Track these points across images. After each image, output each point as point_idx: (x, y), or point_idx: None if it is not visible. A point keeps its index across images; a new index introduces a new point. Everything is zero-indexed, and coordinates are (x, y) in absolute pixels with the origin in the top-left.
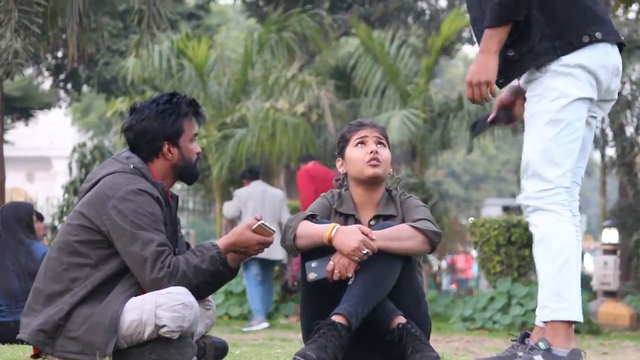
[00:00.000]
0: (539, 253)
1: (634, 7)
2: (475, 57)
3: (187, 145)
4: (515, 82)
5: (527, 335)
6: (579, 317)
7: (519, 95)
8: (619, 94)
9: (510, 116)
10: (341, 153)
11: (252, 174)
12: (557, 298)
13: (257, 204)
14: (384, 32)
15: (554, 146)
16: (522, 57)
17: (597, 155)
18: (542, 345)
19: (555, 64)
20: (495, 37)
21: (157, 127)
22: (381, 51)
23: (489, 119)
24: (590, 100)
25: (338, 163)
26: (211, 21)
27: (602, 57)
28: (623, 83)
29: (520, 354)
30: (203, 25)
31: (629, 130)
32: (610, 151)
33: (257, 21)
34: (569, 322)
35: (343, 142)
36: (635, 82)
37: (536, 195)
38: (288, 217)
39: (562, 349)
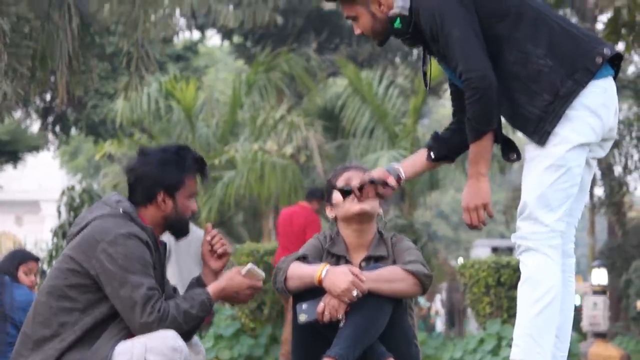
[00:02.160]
0: (523, 291)
1: (620, 45)
2: (467, 182)
3: (183, 200)
4: None
5: None
6: None
7: None
8: None
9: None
10: (329, 199)
11: None
12: (530, 340)
13: (183, 245)
14: (371, 72)
15: (551, 191)
16: (549, 106)
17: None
18: None
19: (555, 125)
20: (480, 153)
21: (157, 174)
22: (369, 91)
23: None
24: (589, 145)
25: (327, 209)
26: (199, 63)
27: (603, 95)
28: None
29: None
30: (191, 66)
31: (617, 170)
32: (599, 191)
33: (245, 62)
34: None
35: (330, 187)
36: (623, 121)
37: (530, 236)
38: None
39: None
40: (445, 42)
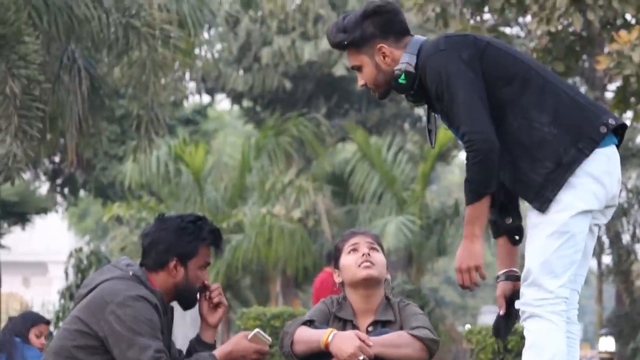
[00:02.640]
0: (528, 357)
1: (629, 114)
2: (461, 243)
3: (195, 270)
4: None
5: None
6: None
7: (516, 283)
8: None
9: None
10: (336, 264)
11: None
12: None
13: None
14: (381, 138)
15: (555, 258)
16: (551, 174)
17: (593, 263)
18: None
19: (559, 192)
20: (476, 216)
21: (172, 241)
22: (378, 157)
23: (502, 314)
24: (592, 212)
25: (335, 275)
26: (208, 126)
27: (607, 163)
28: (620, 191)
29: None
30: (200, 130)
31: (625, 238)
32: (607, 259)
33: (254, 126)
34: None
35: (337, 253)
36: (631, 189)
37: (534, 302)
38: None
39: None
40: (450, 102)
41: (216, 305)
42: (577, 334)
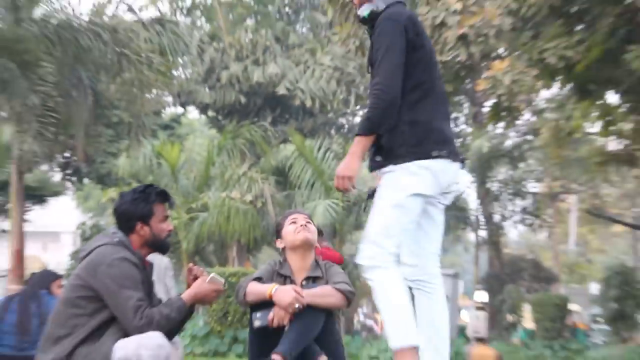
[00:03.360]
0: (378, 299)
1: (501, 124)
2: (345, 157)
3: (157, 224)
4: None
5: None
6: (416, 341)
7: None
8: (489, 190)
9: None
10: (279, 234)
11: None
12: (396, 331)
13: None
14: (313, 140)
15: (392, 223)
16: (386, 155)
17: (472, 236)
18: None
19: (409, 164)
20: (361, 144)
21: (131, 210)
22: (311, 155)
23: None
24: (427, 197)
25: (277, 242)
26: (182, 131)
27: (444, 166)
28: (492, 181)
29: None
30: (176, 134)
31: (496, 217)
32: (482, 233)
33: (217, 131)
34: (412, 347)
35: (279, 227)
36: (502, 180)
37: (371, 256)
38: (171, 281)
39: None
40: (381, 57)
41: (194, 278)
42: (440, 284)
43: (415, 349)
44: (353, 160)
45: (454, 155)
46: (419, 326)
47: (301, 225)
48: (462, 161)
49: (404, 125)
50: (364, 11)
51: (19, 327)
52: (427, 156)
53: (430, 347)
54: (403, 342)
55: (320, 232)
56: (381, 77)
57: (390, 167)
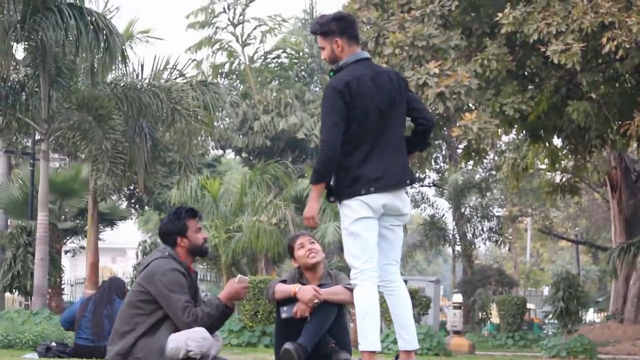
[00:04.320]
0: (357, 313)
1: (471, 162)
2: (308, 203)
3: (193, 235)
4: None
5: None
6: (376, 347)
7: None
8: (463, 214)
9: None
10: (292, 256)
11: None
12: (362, 337)
13: None
14: None
15: (353, 247)
16: (334, 195)
17: (450, 250)
18: None
19: (345, 200)
20: (315, 191)
21: (169, 228)
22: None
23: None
24: (370, 217)
25: (292, 262)
26: (221, 168)
27: (373, 199)
28: (465, 207)
29: None
30: (216, 171)
31: (469, 235)
32: (458, 248)
33: (249, 169)
34: (371, 352)
35: (290, 250)
36: (472, 206)
37: (352, 276)
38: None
39: None
40: (322, 116)
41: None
42: (402, 285)
43: (374, 353)
44: (312, 204)
45: (385, 187)
46: (393, 316)
47: (309, 250)
48: (403, 184)
49: (340, 171)
50: (330, 71)
51: (93, 323)
52: (358, 194)
53: (402, 332)
54: (368, 346)
55: None
56: (322, 135)
57: (338, 204)
